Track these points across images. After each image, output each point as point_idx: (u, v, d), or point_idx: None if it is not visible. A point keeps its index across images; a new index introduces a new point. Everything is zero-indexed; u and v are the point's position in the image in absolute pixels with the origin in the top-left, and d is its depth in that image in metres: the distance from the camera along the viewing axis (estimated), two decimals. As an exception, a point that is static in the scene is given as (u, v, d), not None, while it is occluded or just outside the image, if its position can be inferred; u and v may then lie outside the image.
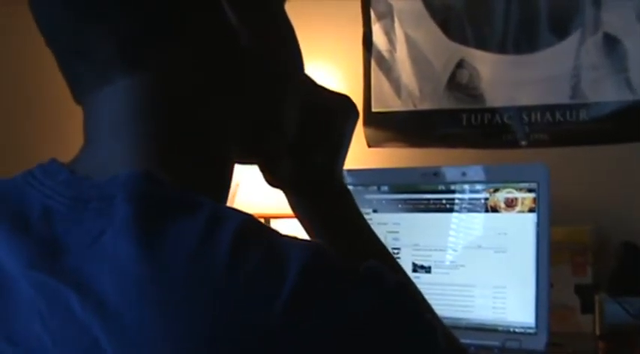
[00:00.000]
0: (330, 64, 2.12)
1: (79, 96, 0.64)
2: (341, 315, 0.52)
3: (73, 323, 0.52)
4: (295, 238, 0.55)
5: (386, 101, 2.12)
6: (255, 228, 0.55)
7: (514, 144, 1.98)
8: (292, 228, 1.93)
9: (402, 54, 2.11)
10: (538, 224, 1.45)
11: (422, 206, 1.57)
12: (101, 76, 0.61)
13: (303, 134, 0.73)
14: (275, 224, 1.89)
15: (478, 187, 1.53)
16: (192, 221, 0.54)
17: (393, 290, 0.56)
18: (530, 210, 1.47)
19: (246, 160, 0.72)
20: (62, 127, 2.07)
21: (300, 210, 0.82)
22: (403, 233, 1.57)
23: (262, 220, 1.85)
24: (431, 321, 0.57)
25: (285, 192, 0.81)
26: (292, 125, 0.71)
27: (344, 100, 0.79)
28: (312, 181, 0.79)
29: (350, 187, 1.58)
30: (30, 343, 0.53)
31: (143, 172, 0.57)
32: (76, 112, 0.66)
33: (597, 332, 1.61)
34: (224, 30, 0.63)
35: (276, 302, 0.50)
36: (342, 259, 0.55)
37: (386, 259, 0.82)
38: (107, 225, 0.54)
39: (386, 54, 2.13)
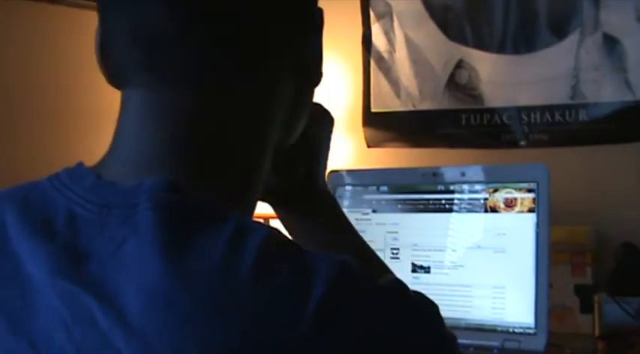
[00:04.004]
0: (330, 64, 2.12)
1: (120, 81, 0.63)
2: (365, 328, 0.52)
3: (95, 333, 0.51)
4: (320, 252, 0.55)
5: (385, 101, 2.12)
6: (280, 241, 0.55)
7: (513, 144, 1.98)
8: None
9: (401, 54, 2.11)
10: (537, 224, 1.45)
11: (421, 206, 1.57)
12: (161, 74, 0.60)
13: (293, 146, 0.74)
14: (275, 224, 1.89)
15: (477, 187, 1.53)
16: (217, 234, 0.54)
17: (416, 304, 0.56)
18: (530, 210, 1.47)
19: None
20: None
21: (287, 219, 0.83)
22: (402, 233, 1.56)
23: (262, 221, 1.85)
24: (451, 334, 0.57)
25: (270, 203, 0.81)
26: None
27: (317, 109, 0.80)
28: (295, 190, 0.80)
29: (349, 188, 1.58)
30: (52, 351, 0.53)
31: (168, 181, 0.56)
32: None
33: (596, 332, 1.61)
34: (296, 68, 0.64)
35: (302, 316, 0.50)
36: (366, 272, 0.55)
37: (373, 259, 0.82)
38: (130, 233, 0.54)
39: (385, 54, 2.13)
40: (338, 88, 2.12)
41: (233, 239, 0.53)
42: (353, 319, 0.51)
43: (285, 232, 0.83)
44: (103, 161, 0.62)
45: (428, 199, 1.57)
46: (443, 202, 1.55)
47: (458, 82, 2.04)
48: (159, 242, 0.53)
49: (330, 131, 0.82)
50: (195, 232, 0.53)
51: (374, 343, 0.52)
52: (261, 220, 1.86)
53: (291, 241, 0.56)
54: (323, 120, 0.81)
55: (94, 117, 1.86)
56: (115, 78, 0.63)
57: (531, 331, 1.43)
